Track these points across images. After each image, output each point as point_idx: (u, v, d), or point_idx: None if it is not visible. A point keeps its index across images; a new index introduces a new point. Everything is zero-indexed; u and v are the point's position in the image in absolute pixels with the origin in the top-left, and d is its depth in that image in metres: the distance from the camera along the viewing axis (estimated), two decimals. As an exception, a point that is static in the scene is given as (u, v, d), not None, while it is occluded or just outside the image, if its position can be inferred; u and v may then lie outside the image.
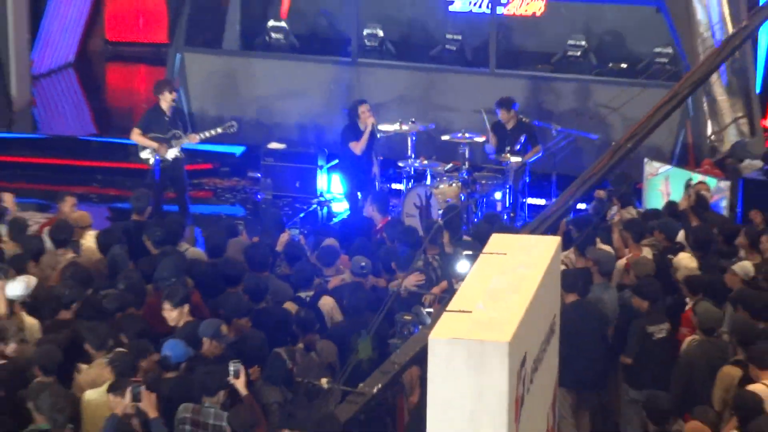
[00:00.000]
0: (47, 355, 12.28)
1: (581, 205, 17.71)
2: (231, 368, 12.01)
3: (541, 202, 19.18)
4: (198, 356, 12.86)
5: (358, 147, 18.87)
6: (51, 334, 13.32)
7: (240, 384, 12.16)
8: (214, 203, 19.50)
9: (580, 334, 12.97)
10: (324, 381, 12.52)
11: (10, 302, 13.86)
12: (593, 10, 20.85)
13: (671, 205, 16.35)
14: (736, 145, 19.36)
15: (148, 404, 11.38)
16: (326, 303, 13.97)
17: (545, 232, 14.90)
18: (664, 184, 17.14)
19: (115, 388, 11.65)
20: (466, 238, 15.45)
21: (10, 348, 12.57)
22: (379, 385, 11.78)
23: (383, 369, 12.12)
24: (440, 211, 17.42)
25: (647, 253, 14.59)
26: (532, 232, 14.47)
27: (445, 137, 18.94)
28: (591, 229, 14.95)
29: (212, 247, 15.41)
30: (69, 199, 16.55)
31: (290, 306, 14.25)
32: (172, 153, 18.59)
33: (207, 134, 19.12)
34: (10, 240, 15.89)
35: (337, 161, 19.83)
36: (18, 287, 14.05)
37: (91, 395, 12.08)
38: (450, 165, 18.36)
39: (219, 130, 19.15)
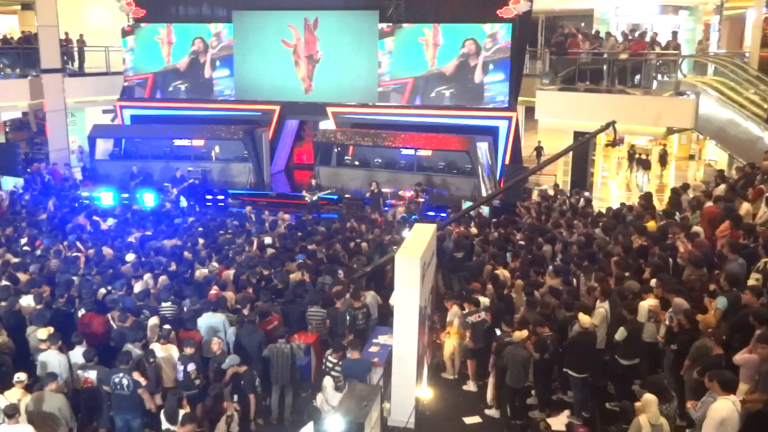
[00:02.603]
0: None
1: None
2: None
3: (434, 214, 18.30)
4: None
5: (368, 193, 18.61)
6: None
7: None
8: (328, 213, 19.12)
9: (443, 249, 12.87)
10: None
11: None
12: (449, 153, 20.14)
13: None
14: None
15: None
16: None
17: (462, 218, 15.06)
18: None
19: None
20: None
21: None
22: (370, 267, 11.68)
23: (374, 263, 12.01)
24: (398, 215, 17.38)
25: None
26: (455, 219, 14.42)
27: (401, 192, 18.52)
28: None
29: (327, 228, 15.35)
30: (281, 213, 16.56)
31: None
32: (314, 197, 18.53)
33: (326, 192, 19.03)
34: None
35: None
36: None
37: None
38: (401, 202, 18.15)
39: (329, 191, 19.05)
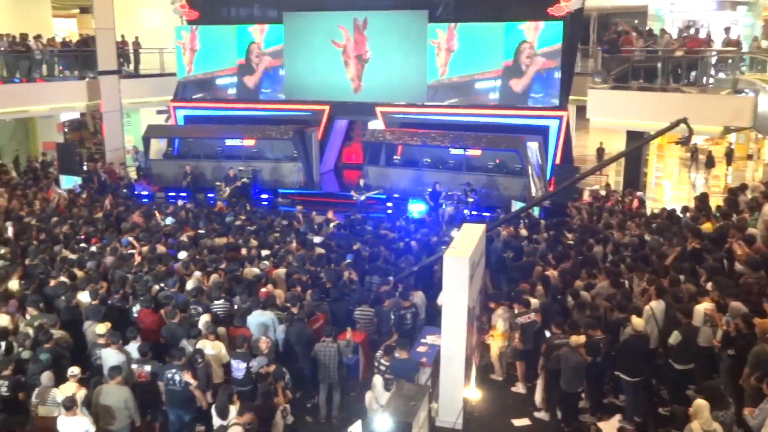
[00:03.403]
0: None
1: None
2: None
3: (479, 213, 17.93)
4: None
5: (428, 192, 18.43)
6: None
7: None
8: (376, 213, 18.97)
9: (495, 251, 12.76)
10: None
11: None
12: (498, 153, 19.77)
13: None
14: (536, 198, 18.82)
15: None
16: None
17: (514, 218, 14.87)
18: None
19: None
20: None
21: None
22: (417, 267, 11.59)
23: (422, 261, 11.94)
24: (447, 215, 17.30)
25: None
26: (506, 220, 14.17)
27: (449, 192, 18.35)
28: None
29: (375, 225, 15.34)
30: (329, 212, 16.56)
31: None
32: (362, 197, 18.56)
33: (372, 192, 19.04)
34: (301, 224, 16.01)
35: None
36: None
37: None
38: (449, 201, 18.02)
39: (377, 191, 19.04)
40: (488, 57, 21.18)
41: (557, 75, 20.41)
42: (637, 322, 8.96)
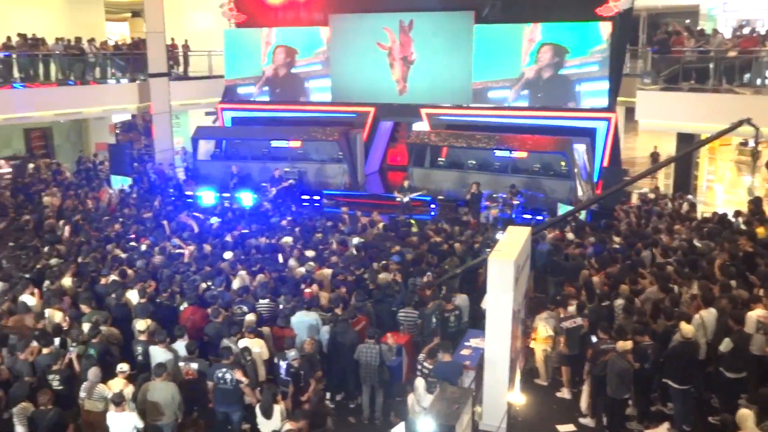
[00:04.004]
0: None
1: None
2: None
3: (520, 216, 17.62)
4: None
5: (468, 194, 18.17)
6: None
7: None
8: (419, 213, 18.88)
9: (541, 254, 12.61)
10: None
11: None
12: (544, 155, 19.59)
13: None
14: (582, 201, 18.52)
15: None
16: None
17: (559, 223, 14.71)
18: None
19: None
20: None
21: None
22: (460, 270, 11.61)
23: (468, 264, 11.86)
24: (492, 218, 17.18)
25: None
26: (552, 224, 14.11)
27: (494, 195, 18.15)
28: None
29: (420, 225, 15.18)
30: (374, 213, 16.51)
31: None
32: (405, 198, 18.50)
33: (417, 193, 18.96)
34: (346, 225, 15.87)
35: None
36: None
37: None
38: (494, 204, 17.82)
39: (421, 192, 18.93)
40: (507, 61, 21.12)
41: (602, 78, 20.12)
42: (686, 328, 8.78)
